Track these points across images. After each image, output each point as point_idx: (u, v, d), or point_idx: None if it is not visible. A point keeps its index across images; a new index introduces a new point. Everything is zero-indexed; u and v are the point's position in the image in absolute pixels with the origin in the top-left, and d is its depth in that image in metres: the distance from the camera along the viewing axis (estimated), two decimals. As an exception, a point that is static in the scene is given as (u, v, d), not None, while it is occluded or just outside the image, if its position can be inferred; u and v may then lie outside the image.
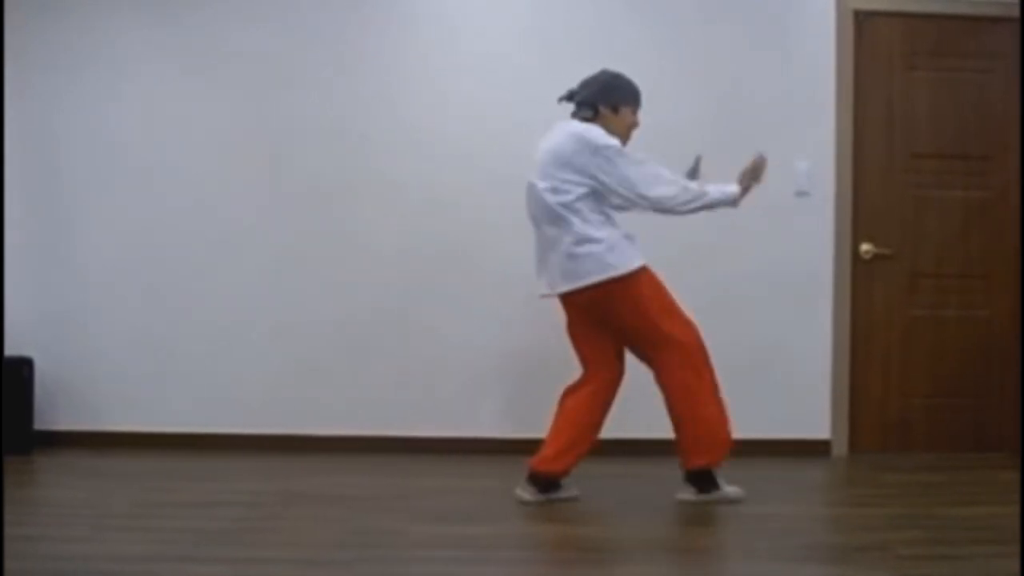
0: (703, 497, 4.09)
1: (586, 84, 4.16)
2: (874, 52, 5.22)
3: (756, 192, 5.12)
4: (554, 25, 5.16)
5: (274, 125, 5.14)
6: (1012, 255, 5.27)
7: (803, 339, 5.17)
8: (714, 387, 4.10)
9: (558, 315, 5.15)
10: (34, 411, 5.02)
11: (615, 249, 3.99)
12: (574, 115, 4.16)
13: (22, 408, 4.95)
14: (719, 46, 5.16)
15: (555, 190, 4.00)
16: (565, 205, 3.98)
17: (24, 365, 4.97)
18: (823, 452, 5.15)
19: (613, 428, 5.19)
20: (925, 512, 3.97)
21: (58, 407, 5.14)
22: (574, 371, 5.18)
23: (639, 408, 5.23)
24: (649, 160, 4.04)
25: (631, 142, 4.20)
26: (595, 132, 4.00)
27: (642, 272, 4.03)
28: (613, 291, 3.99)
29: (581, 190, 3.98)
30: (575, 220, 3.98)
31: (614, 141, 4.01)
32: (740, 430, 5.13)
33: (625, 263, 3.99)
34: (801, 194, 5.17)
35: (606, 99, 4.12)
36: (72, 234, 5.16)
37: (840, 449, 5.18)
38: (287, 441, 5.10)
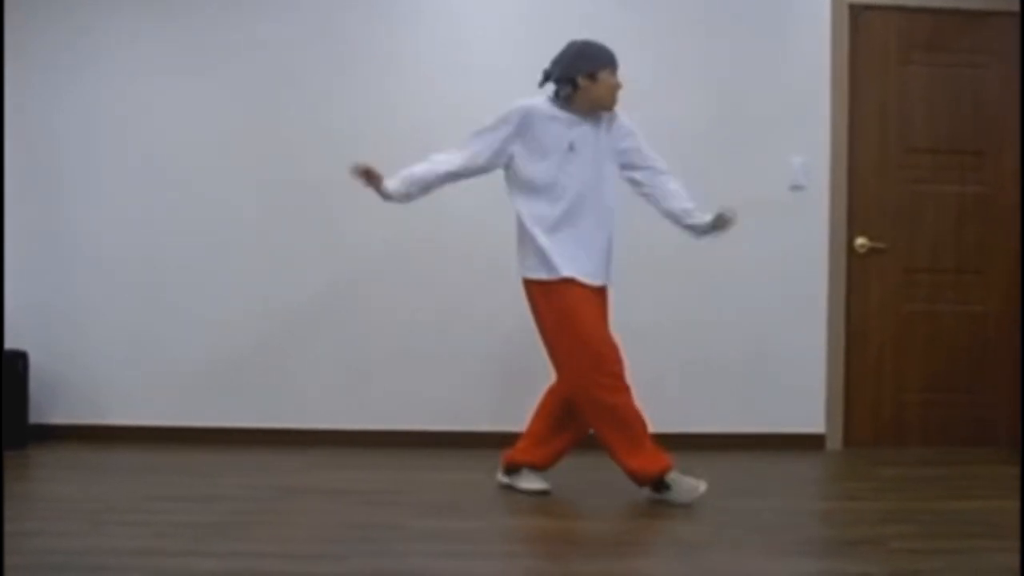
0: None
1: (557, 61, 4.04)
2: (869, 46, 5.22)
3: (752, 186, 5.16)
4: (549, 22, 5.15)
5: (273, 122, 5.14)
6: (1007, 250, 5.28)
7: (798, 333, 5.18)
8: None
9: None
10: (29, 405, 5.02)
11: None
12: (555, 93, 4.04)
13: (17, 402, 4.95)
14: (714, 41, 5.17)
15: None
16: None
17: (19, 359, 4.97)
18: (817, 446, 5.17)
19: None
20: (919, 506, 3.98)
21: (53, 401, 5.14)
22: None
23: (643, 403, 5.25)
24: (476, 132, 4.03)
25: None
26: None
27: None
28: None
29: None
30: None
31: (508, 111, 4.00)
32: (735, 424, 5.17)
33: None
34: (796, 188, 5.18)
35: (581, 69, 3.98)
36: (67, 228, 5.16)
37: (834, 443, 5.19)
38: (283, 435, 5.11)
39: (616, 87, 4.06)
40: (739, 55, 5.17)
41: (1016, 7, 5.19)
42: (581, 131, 4.02)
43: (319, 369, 5.14)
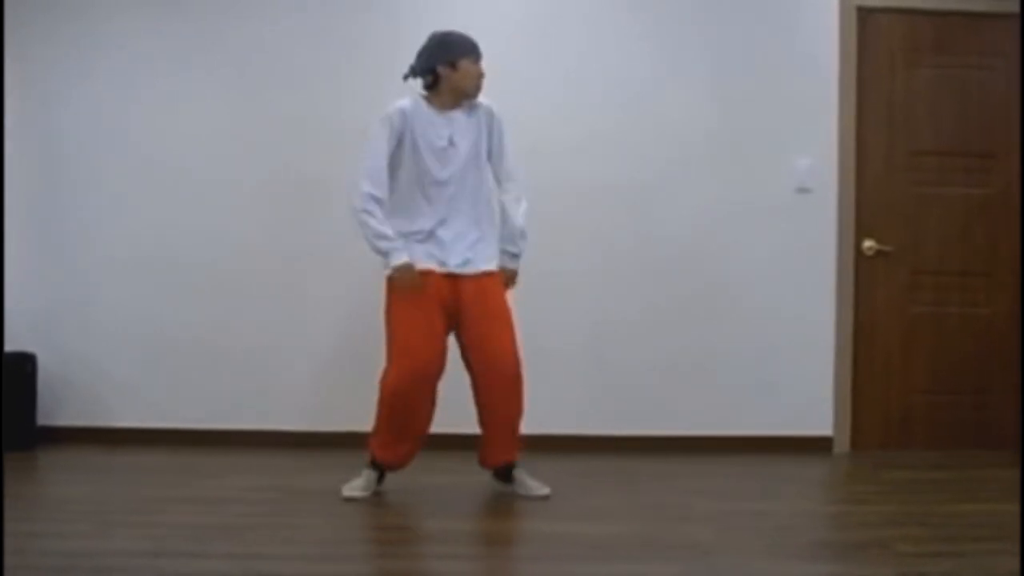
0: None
1: (420, 53, 4.10)
2: (876, 49, 5.21)
3: (758, 189, 5.16)
4: (551, 20, 5.15)
5: (276, 122, 5.15)
6: (1014, 252, 5.26)
7: (805, 336, 5.16)
8: (382, 421, 4.04)
9: (552, 312, 5.17)
10: (37, 407, 5.04)
11: None
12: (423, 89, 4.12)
13: (25, 404, 4.96)
14: (721, 42, 5.16)
15: None
16: None
17: (27, 361, 4.98)
18: (825, 449, 5.15)
19: (607, 425, 5.23)
20: (926, 509, 3.97)
21: (61, 403, 5.15)
22: (565, 367, 5.19)
23: (651, 405, 5.26)
24: (372, 150, 4.01)
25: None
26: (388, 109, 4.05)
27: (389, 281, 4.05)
28: None
29: None
30: None
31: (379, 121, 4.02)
32: (742, 427, 5.16)
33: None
34: (803, 191, 5.16)
35: (441, 59, 4.03)
36: (75, 230, 5.18)
37: (842, 446, 5.17)
38: (289, 437, 5.11)
39: (479, 75, 4.09)
40: (746, 57, 5.16)
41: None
42: (458, 125, 4.07)
43: (325, 371, 5.14)
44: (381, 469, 4.15)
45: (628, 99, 5.16)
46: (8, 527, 3.49)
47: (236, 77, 5.16)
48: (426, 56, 4.07)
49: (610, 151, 5.13)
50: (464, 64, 4.04)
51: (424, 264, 4.01)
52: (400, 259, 3.96)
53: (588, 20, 5.16)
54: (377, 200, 3.98)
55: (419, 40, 5.17)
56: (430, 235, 4.04)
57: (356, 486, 4.09)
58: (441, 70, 4.03)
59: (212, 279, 5.16)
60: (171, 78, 5.16)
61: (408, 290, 3.96)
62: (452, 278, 4.03)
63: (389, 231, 3.98)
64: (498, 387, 4.05)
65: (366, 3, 5.15)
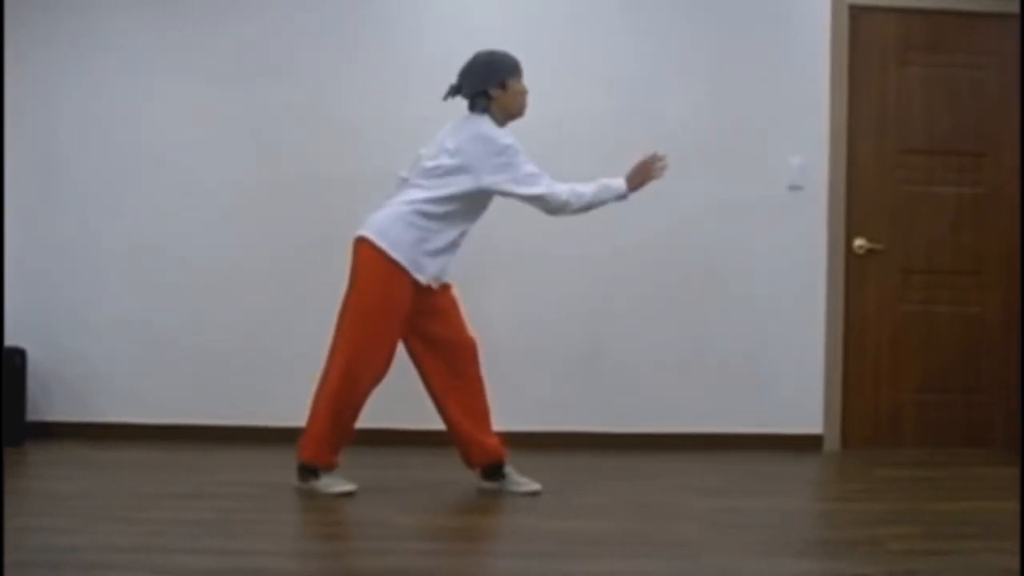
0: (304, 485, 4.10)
1: (466, 74, 4.07)
2: (868, 47, 5.22)
3: (750, 186, 5.16)
4: (548, 19, 5.15)
5: (273, 120, 5.15)
6: (1004, 252, 5.28)
7: (795, 333, 5.18)
8: (328, 404, 4.05)
9: (544, 309, 5.18)
10: (27, 402, 5.02)
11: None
12: (471, 108, 4.07)
13: (15, 399, 4.94)
14: (713, 41, 5.17)
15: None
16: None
17: (17, 356, 4.96)
18: (815, 447, 5.17)
19: (604, 422, 5.23)
20: (916, 507, 3.98)
21: (51, 398, 5.14)
22: (557, 364, 5.19)
23: (641, 403, 5.26)
24: (524, 160, 4.01)
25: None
26: (494, 132, 3.97)
27: (380, 260, 3.99)
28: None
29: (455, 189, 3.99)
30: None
31: (511, 140, 3.97)
32: (733, 424, 5.17)
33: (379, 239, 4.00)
34: (794, 188, 5.18)
35: (492, 80, 4.02)
36: (66, 226, 5.16)
37: (832, 444, 5.19)
38: (276, 433, 5.09)
39: (525, 93, 4.11)
40: (738, 55, 5.17)
41: (1014, 8, 5.20)
42: None
43: (315, 367, 5.12)
44: (316, 472, 4.10)
45: (620, 96, 5.16)
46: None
47: (235, 77, 5.15)
48: (475, 78, 4.04)
49: (602, 148, 5.12)
50: (512, 83, 4.05)
51: (428, 278, 4.01)
52: (622, 183, 4.02)
53: (579, 18, 5.16)
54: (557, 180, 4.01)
55: (417, 39, 5.19)
56: (453, 245, 4.07)
57: (340, 483, 4.08)
58: (493, 91, 4.03)
59: (204, 276, 5.15)
60: (171, 77, 5.15)
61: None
62: (428, 289, 4.05)
63: (589, 187, 4.02)
64: (468, 363, 4.14)
65: (366, 2, 5.14)
